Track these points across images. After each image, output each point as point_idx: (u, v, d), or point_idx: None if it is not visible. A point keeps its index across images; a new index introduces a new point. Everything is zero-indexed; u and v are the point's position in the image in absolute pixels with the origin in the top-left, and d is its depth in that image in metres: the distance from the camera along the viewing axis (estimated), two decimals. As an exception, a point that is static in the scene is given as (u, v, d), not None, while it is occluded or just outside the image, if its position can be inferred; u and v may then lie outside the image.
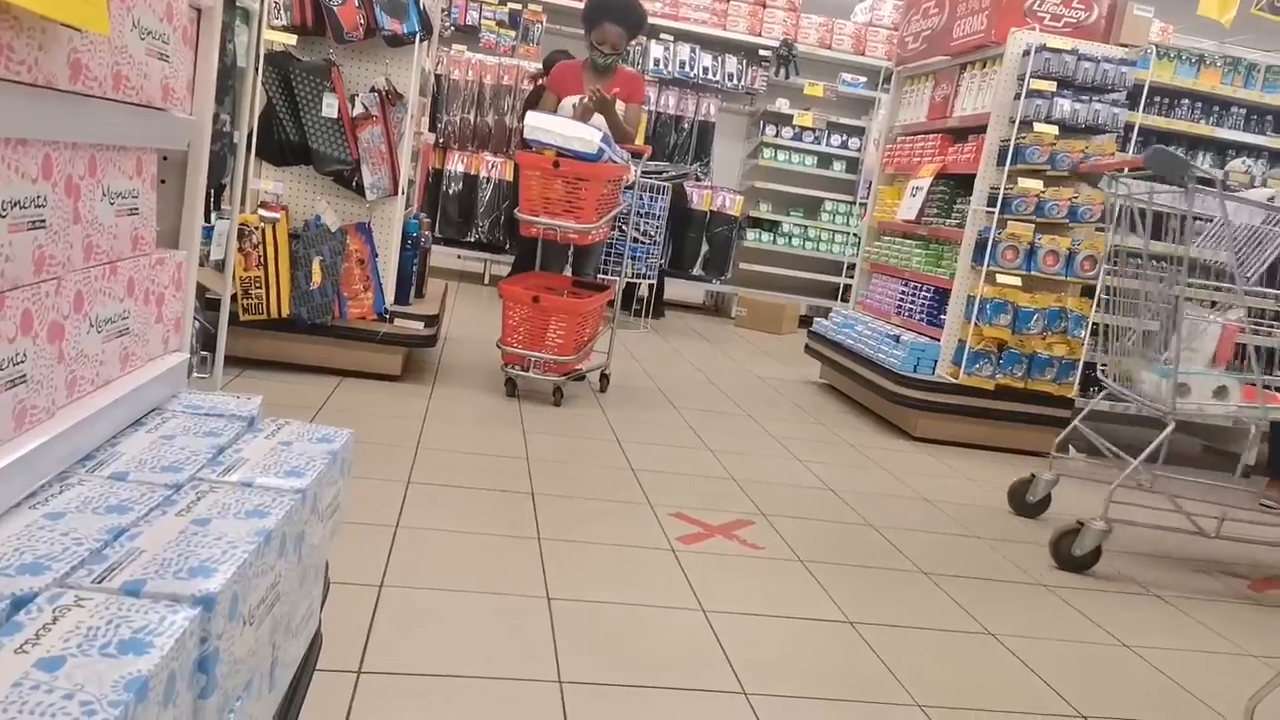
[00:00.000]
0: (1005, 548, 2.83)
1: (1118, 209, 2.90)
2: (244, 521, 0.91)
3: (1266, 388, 3.02)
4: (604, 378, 4.16)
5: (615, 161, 3.75)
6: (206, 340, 2.09)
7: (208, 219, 1.87)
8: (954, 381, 4.01)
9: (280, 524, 0.93)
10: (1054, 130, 3.87)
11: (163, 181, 1.29)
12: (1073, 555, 2.69)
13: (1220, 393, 2.69)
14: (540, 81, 6.26)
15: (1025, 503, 3.19)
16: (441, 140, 6.95)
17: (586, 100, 3.91)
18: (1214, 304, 2.84)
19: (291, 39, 3.49)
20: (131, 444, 1.06)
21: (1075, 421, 3.17)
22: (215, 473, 1.03)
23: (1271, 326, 3.39)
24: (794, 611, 2.17)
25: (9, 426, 0.86)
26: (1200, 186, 2.59)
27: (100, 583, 0.76)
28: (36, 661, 0.63)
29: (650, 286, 6.34)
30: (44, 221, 0.90)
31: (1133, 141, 4.51)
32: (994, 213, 3.94)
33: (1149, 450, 2.71)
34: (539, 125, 3.61)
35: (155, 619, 0.71)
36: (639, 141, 4.38)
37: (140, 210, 1.16)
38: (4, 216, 0.82)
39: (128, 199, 1.11)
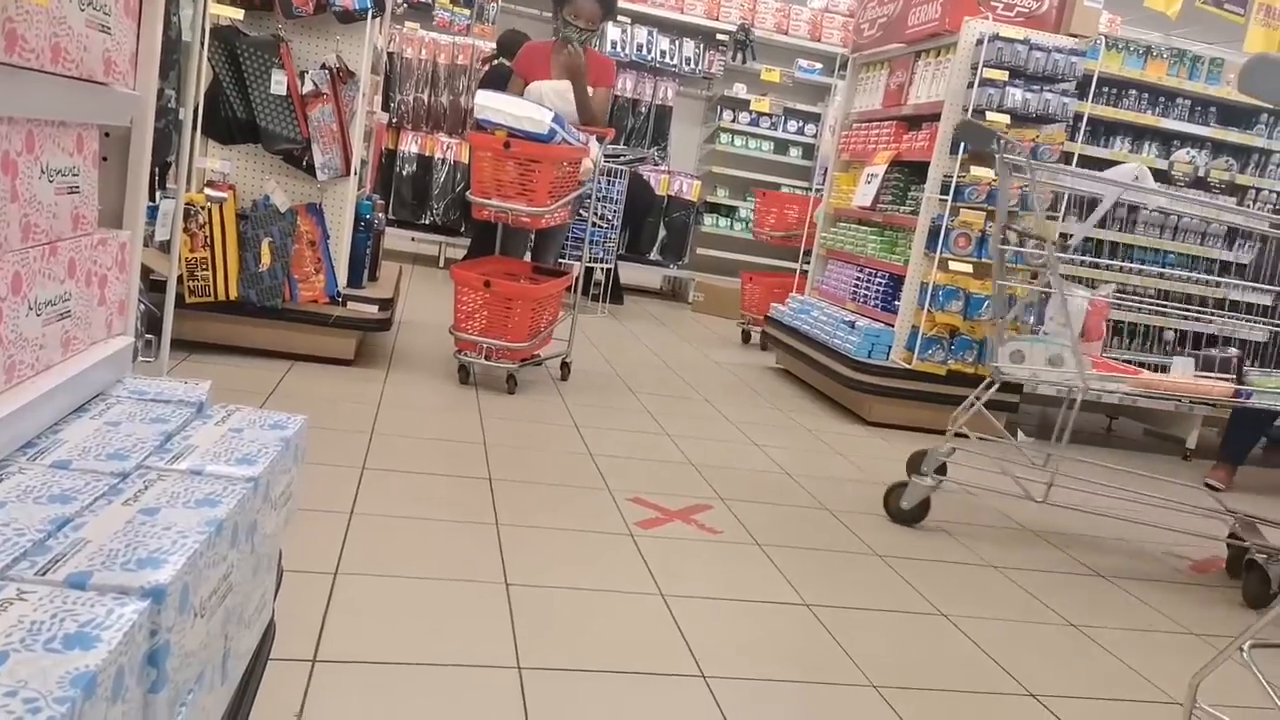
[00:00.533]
0: (955, 529, 2.88)
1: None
2: (194, 511, 0.88)
3: (1143, 365, 3.15)
4: (564, 366, 4.08)
5: (569, 143, 3.66)
6: (151, 323, 2.03)
7: (152, 198, 1.81)
8: (907, 367, 4.06)
9: (232, 513, 0.91)
10: (1005, 119, 3.93)
11: (105, 159, 1.24)
12: (900, 508, 2.82)
13: (1055, 360, 2.82)
14: (495, 61, 6.17)
15: (920, 473, 3.25)
16: (395, 120, 6.83)
17: (564, 56, 3.83)
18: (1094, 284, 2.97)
19: (238, 13, 3.39)
20: (74, 431, 1.03)
21: (971, 397, 3.23)
22: (163, 460, 1.00)
23: (1140, 303, 3.53)
24: (751, 595, 2.18)
25: (-57, 413, 0.82)
26: (1012, 157, 2.77)
27: (44, 575, 0.73)
28: (-24, 659, 0.61)
29: (606, 272, 6.31)
30: (-22, 199, 0.86)
31: (1081, 131, 4.59)
32: (947, 200, 3.98)
33: (962, 407, 2.93)
34: (488, 104, 3.51)
35: (102, 612, 0.69)
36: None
37: (81, 189, 1.11)
38: (-65, 193, 0.78)
39: (68, 176, 1.07)
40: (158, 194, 1.89)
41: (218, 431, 1.11)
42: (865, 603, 2.24)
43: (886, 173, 4.41)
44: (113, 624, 0.68)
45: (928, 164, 4.09)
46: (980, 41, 3.95)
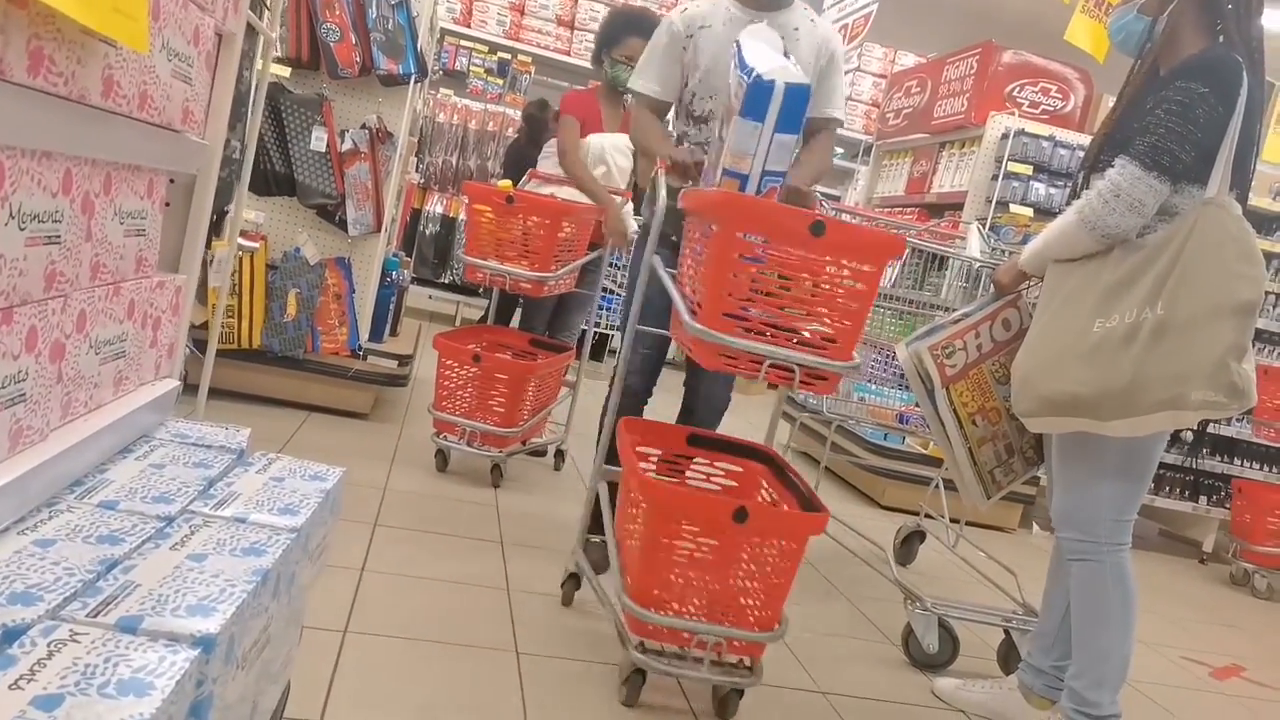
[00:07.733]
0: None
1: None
2: (240, 559, 0.87)
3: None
4: (559, 454, 3.62)
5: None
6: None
7: (208, 245, 1.83)
8: (923, 451, 4.04)
9: (277, 564, 0.90)
10: (1029, 212, 3.99)
11: (168, 204, 1.26)
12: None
13: (860, 404, 3.31)
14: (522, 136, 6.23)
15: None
16: (422, 180, 6.95)
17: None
18: None
19: (285, 71, 3.49)
20: (121, 471, 1.02)
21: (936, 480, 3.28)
22: (208, 506, 0.99)
23: None
24: (765, 677, 2.14)
25: (4, 446, 0.82)
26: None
27: (95, 617, 0.72)
28: (33, 699, 0.60)
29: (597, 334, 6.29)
30: (59, 237, 0.87)
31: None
32: (967, 287, 4.01)
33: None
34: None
35: (155, 659, 0.68)
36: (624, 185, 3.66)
37: (147, 232, 1.13)
38: (23, 230, 0.80)
39: (137, 220, 1.09)
40: (213, 240, 1.91)
41: (260, 480, 1.10)
42: (888, 696, 2.19)
43: (907, 257, 4.45)
44: (165, 671, 0.67)
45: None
46: (1005, 136, 4.03)
